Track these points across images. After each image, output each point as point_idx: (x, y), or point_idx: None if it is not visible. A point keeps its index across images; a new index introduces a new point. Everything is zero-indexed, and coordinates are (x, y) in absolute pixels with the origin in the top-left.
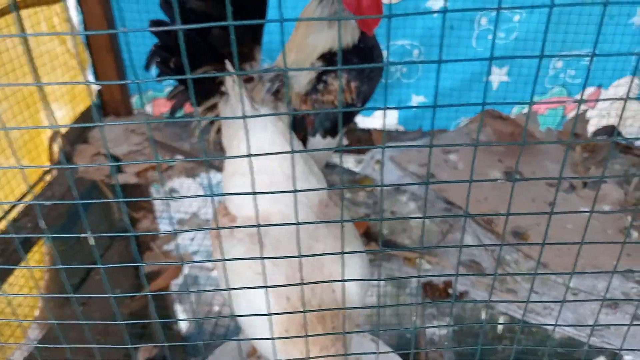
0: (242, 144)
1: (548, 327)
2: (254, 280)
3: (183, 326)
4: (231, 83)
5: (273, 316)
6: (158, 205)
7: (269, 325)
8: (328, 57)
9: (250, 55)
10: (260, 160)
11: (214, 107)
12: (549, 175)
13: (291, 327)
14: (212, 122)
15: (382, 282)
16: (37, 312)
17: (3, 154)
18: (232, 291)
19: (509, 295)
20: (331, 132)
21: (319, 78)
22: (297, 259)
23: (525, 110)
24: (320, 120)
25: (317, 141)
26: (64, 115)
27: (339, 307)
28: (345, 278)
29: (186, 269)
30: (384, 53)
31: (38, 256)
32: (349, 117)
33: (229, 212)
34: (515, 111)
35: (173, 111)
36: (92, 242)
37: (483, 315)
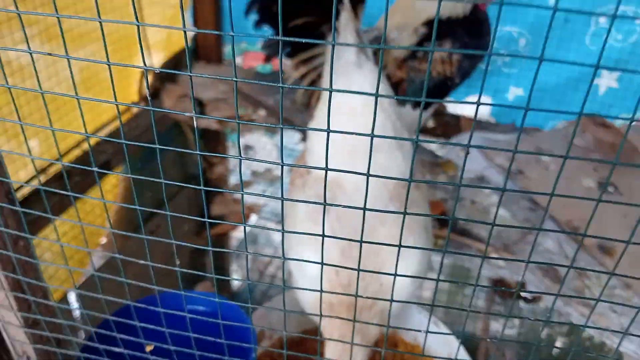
0: (337, 98)
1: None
2: (308, 242)
3: (236, 283)
4: (345, 20)
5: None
6: (230, 149)
7: (312, 285)
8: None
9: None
10: (349, 122)
11: (308, 61)
12: None
13: (331, 297)
14: (302, 78)
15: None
16: (102, 240)
17: (94, 88)
18: (287, 244)
19: (585, 308)
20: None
21: (420, 44)
22: (357, 235)
23: (634, 122)
24: (414, 90)
25: (406, 112)
26: (158, 51)
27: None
28: (400, 271)
29: (253, 219)
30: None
31: (114, 181)
32: (445, 91)
33: (307, 163)
34: (622, 121)
35: (267, 59)
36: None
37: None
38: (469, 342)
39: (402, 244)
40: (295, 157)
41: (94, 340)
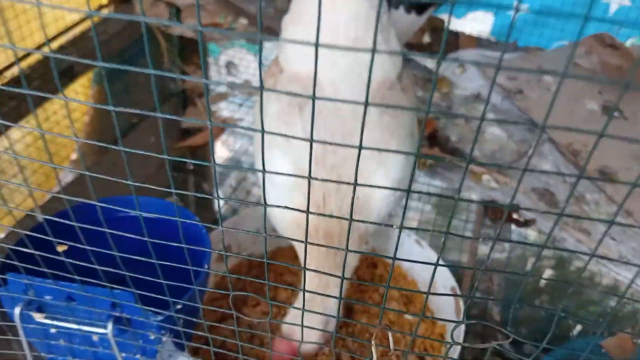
0: None
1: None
2: (278, 143)
3: (220, 208)
4: None
5: (291, 193)
6: (211, 65)
7: (283, 199)
8: None
9: None
10: (326, 14)
11: None
12: None
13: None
14: None
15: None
16: (73, 156)
17: None
18: (255, 150)
19: (582, 234)
20: (417, 8)
21: None
22: (333, 140)
23: None
24: None
25: (399, 15)
26: None
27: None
28: (379, 178)
29: (237, 144)
30: None
31: (79, 89)
32: None
33: (278, 63)
34: (633, 41)
35: None
36: None
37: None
38: (455, 270)
39: (384, 148)
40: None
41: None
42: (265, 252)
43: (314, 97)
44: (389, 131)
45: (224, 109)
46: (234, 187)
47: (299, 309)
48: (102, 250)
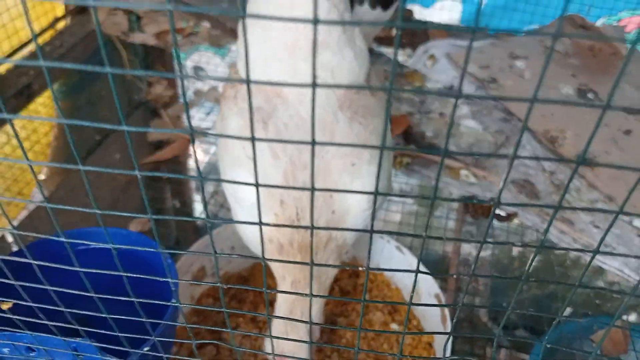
0: None
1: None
2: (242, 163)
3: (198, 213)
4: None
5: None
6: (178, 71)
7: (253, 220)
8: None
9: None
10: (285, 14)
11: None
12: (626, 100)
13: (278, 235)
14: None
15: (408, 192)
16: (41, 177)
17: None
18: (220, 167)
19: (565, 224)
20: (383, 2)
21: None
22: (302, 155)
23: (615, 22)
24: None
25: (364, 11)
26: None
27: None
28: (353, 193)
29: (213, 148)
30: None
31: (39, 108)
32: None
33: (238, 72)
34: (603, 21)
35: None
36: None
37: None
38: (439, 266)
39: (356, 161)
40: (234, 60)
41: None
42: (222, 300)
43: (253, 139)
44: (361, 140)
45: (192, 117)
46: (211, 193)
47: (268, 336)
48: (59, 290)
